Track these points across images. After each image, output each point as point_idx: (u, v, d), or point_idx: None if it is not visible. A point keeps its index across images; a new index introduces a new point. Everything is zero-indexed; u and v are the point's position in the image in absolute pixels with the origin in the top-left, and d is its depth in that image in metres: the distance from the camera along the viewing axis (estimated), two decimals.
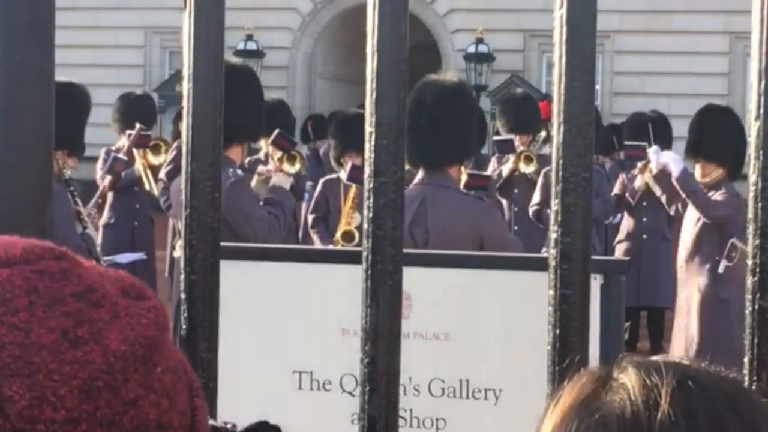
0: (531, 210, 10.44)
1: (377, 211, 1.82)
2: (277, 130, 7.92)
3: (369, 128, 1.83)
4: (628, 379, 1.26)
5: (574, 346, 1.79)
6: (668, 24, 26.16)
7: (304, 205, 10.75)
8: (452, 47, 27.72)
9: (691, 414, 1.22)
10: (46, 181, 1.82)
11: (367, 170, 1.85)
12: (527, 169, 11.09)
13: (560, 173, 1.79)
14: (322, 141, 14.74)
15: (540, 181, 10.41)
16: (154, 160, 10.70)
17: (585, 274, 1.78)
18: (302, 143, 14.42)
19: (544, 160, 10.71)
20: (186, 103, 1.89)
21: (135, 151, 10.61)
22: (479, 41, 26.50)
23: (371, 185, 1.83)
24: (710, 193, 8.23)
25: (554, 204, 1.80)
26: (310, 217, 9.29)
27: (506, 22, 26.81)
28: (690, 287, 8.19)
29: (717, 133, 8.31)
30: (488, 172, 10.65)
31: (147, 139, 10.86)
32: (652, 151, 9.46)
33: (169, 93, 25.28)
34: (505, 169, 11.25)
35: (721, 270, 7.90)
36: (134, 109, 11.52)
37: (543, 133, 11.40)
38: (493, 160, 12.15)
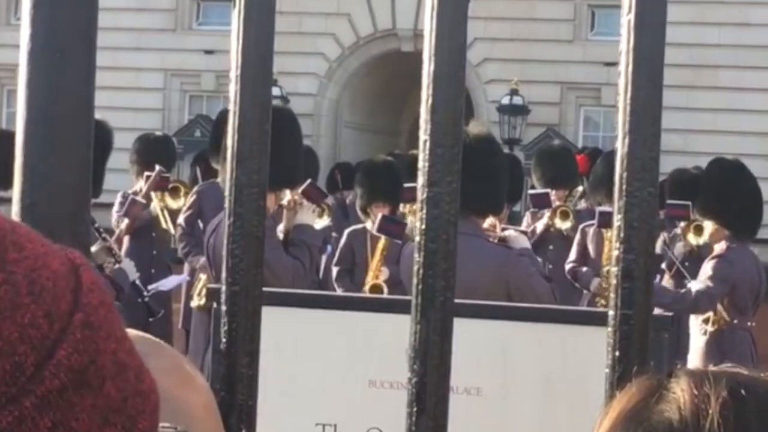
0: (567, 268, 10.19)
1: (430, 224, 1.74)
2: (308, 180, 7.77)
3: (423, 136, 1.77)
4: (679, 388, 1.23)
5: (636, 370, 1.70)
6: (713, 80, 25.79)
7: (325, 258, 10.34)
8: (485, 98, 26.98)
9: (742, 423, 1.19)
10: (85, 184, 1.75)
11: (421, 180, 1.78)
12: (563, 225, 10.82)
13: (624, 187, 1.72)
14: (349, 191, 14.54)
15: (577, 237, 10.21)
16: (172, 203, 10.30)
17: (648, 293, 1.70)
18: (328, 192, 14.27)
19: (581, 216, 10.53)
20: (232, 107, 1.83)
21: (153, 194, 10.26)
22: (514, 92, 25.67)
23: (425, 196, 1.76)
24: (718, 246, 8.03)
25: (617, 220, 1.73)
26: (335, 270, 8.96)
27: (543, 74, 26.35)
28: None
29: (715, 191, 8.13)
30: (522, 227, 10.46)
31: (166, 181, 10.45)
32: None
33: (188, 138, 24.98)
34: (540, 225, 11.00)
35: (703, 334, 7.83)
36: (153, 151, 10.99)
37: (580, 188, 11.23)
38: (527, 215, 11.94)
